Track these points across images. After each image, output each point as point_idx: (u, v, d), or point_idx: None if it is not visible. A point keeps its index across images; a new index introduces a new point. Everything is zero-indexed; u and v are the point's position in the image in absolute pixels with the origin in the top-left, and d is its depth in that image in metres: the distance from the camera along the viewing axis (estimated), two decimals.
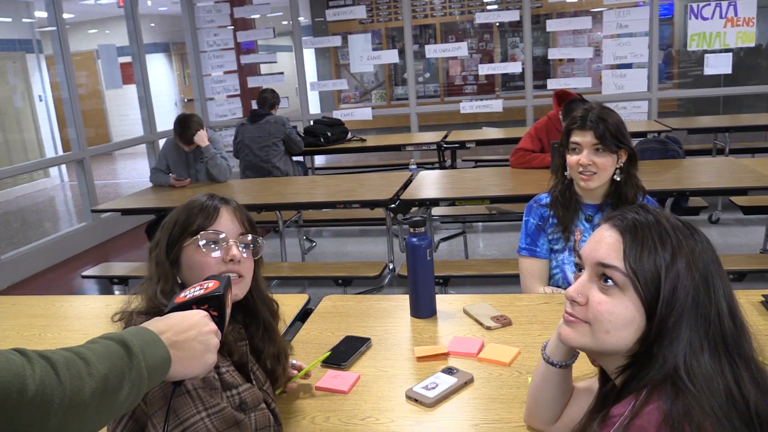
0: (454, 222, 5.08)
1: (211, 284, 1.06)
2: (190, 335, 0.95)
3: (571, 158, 2.05)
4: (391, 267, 3.91)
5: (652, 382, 0.86)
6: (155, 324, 0.95)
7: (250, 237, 1.31)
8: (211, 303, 1.04)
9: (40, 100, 10.07)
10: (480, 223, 5.51)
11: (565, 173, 2.11)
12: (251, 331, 1.35)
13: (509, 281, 2.35)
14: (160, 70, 13.19)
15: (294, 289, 4.15)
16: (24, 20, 9.77)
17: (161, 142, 5.76)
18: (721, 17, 6.21)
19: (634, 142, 2.12)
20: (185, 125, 4.34)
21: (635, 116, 6.51)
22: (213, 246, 1.25)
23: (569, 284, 2.10)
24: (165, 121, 7.08)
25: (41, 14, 8.62)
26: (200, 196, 1.33)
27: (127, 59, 7.09)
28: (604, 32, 6.46)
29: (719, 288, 0.89)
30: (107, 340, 0.86)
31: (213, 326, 1.00)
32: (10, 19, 9.63)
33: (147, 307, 1.20)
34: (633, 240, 0.91)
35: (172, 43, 13.84)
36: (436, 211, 4.50)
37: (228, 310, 1.06)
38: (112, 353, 0.83)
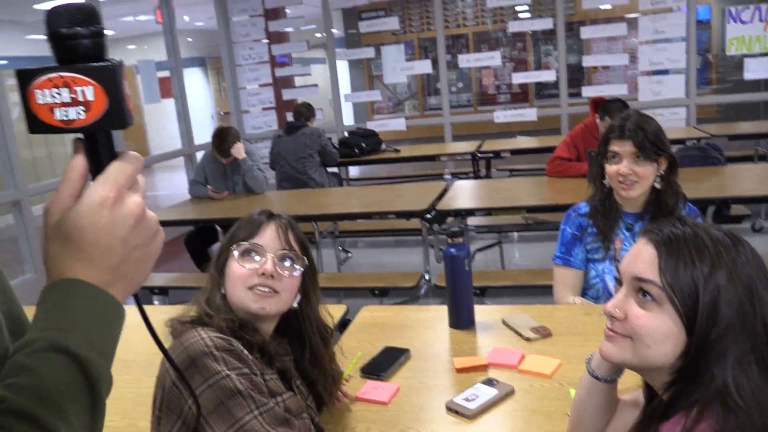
0: (490, 232, 5.05)
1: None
2: (122, 254, 0.61)
3: (611, 168, 2.03)
4: (427, 278, 3.91)
5: (702, 399, 0.84)
6: (86, 271, 0.60)
7: (290, 255, 1.30)
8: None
9: None
10: (515, 233, 5.47)
11: (604, 182, 2.09)
12: (296, 353, 1.35)
13: (547, 292, 2.33)
14: (196, 83, 13.44)
15: (330, 300, 4.17)
16: None
17: (199, 155, 5.86)
18: (761, 20, 6.08)
19: (674, 149, 2.09)
20: (223, 138, 4.42)
21: (673, 123, 6.39)
22: (248, 257, 1.28)
23: (609, 294, 2.07)
24: (202, 134, 7.21)
25: None
26: (257, 210, 1.36)
27: (165, 74, 7.24)
28: (640, 38, 6.37)
29: (765, 300, 0.87)
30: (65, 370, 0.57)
31: (134, 216, 0.62)
32: None
33: (194, 317, 1.23)
34: (669, 253, 0.90)
35: (208, 58, 14.11)
36: (472, 221, 4.48)
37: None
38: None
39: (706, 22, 11.50)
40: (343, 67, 13.25)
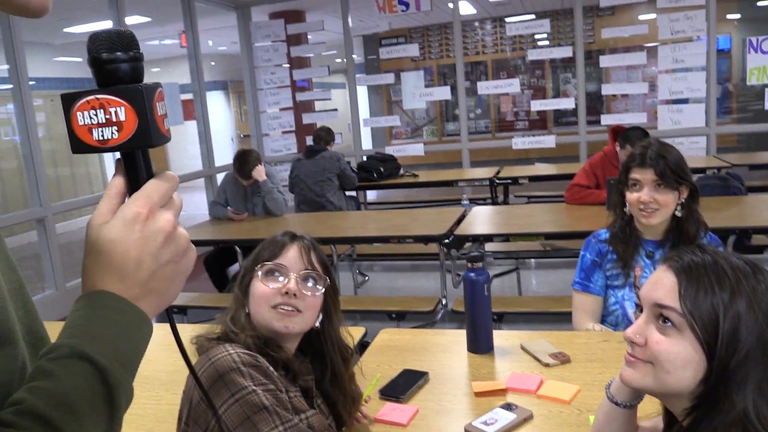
0: (507, 258, 5.04)
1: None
2: (152, 269, 0.63)
3: (631, 195, 2.04)
4: (444, 302, 3.91)
5: (722, 426, 0.85)
6: (116, 283, 0.62)
7: (313, 275, 1.33)
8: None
9: None
10: (533, 260, 5.46)
11: (624, 209, 2.10)
12: (317, 373, 1.37)
13: (564, 319, 2.33)
14: (218, 106, 13.63)
15: (347, 322, 4.18)
16: None
17: (219, 177, 5.93)
18: None
19: (694, 178, 2.10)
20: (244, 160, 4.48)
21: (693, 152, 6.37)
22: (272, 277, 1.30)
23: (629, 321, 2.07)
24: (222, 156, 7.30)
25: None
26: (281, 231, 1.40)
27: (188, 96, 7.36)
28: (660, 67, 6.39)
29: None
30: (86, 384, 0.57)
31: (163, 235, 0.63)
32: (80, 59, 10.17)
33: (220, 334, 1.26)
34: (689, 280, 0.92)
35: (230, 81, 14.31)
36: (489, 246, 4.48)
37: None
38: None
39: (726, 52, 11.50)
40: (362, 93, 13.39)
